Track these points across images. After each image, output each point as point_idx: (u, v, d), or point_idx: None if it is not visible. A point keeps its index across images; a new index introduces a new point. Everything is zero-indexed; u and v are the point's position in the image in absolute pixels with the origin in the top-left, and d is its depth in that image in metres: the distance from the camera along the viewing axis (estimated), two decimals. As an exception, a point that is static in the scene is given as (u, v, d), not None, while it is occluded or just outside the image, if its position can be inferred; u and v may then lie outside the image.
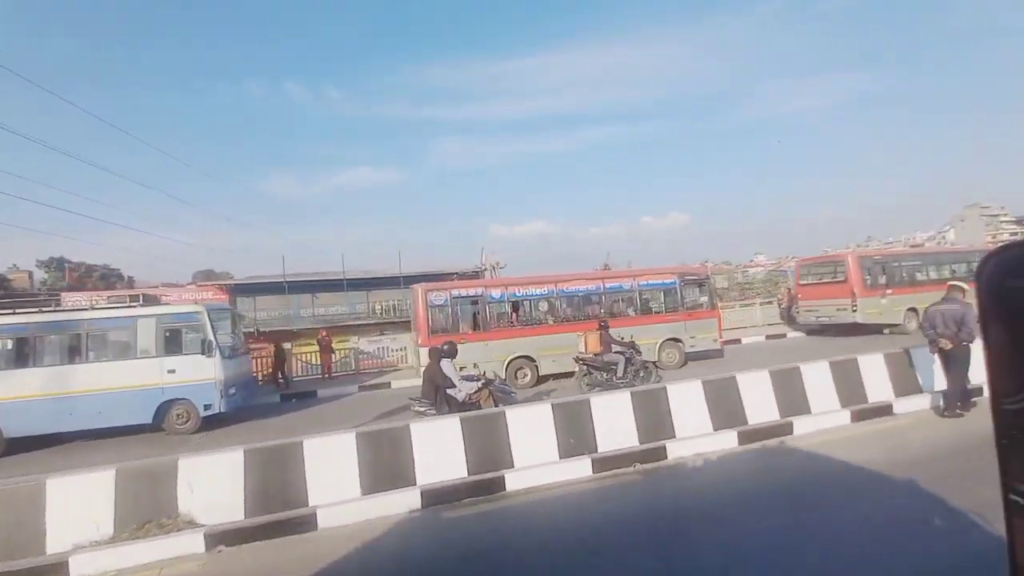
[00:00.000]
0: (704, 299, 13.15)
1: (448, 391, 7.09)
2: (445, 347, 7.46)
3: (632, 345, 10.28)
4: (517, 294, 12.54)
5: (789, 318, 18.47)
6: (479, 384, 7.25)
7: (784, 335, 17.28)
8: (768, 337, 16.99)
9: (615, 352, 9.94)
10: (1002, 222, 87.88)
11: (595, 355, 9.96)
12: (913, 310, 14.37)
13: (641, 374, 9.94)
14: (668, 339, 12.39)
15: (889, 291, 14.80)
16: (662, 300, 13.02)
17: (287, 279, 27.32)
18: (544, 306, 12.82)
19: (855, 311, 14.48)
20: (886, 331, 14.70)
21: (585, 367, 9.98)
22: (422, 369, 7.87)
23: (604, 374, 9.78)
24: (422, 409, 7.09)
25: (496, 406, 7.04)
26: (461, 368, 7.96)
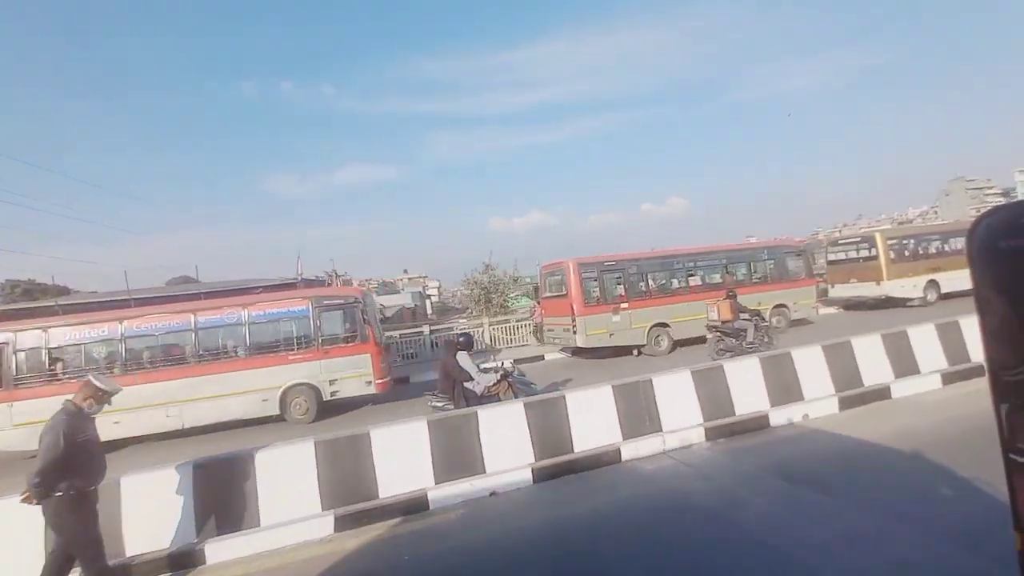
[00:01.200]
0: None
1: (466, 384, 6.84)
2: (461, 339, 7.18)
3: (757, 313, 10.98)
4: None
5: (540, 338, 15.71)
6: (498, 376, 6.99)
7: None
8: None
9: (743, 319, 10.49)
10: (987, 195, 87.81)
11: (724, 322, 10.47)
12: (662, 325, 12.38)
13: (766, 339, 10.53)
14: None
15: (625, 305, 12.35)
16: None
17: (133, 295, 24.65)
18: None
19: (575, 333, 12.14)
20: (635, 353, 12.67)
21: (718, 334, 10.52)
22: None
23: (734, 340, 10.37)
24: (439, 404, 6.84)
25: (515, 398, 6.81)
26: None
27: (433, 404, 6.85)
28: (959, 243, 15.82)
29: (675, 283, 13.21)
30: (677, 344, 12.59)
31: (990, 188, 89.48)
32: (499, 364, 7.40)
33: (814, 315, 14.15)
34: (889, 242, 15.92)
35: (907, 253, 16.01)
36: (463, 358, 6.92)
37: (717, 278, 13.37)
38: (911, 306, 15.48)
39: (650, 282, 12.77)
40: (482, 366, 7.20)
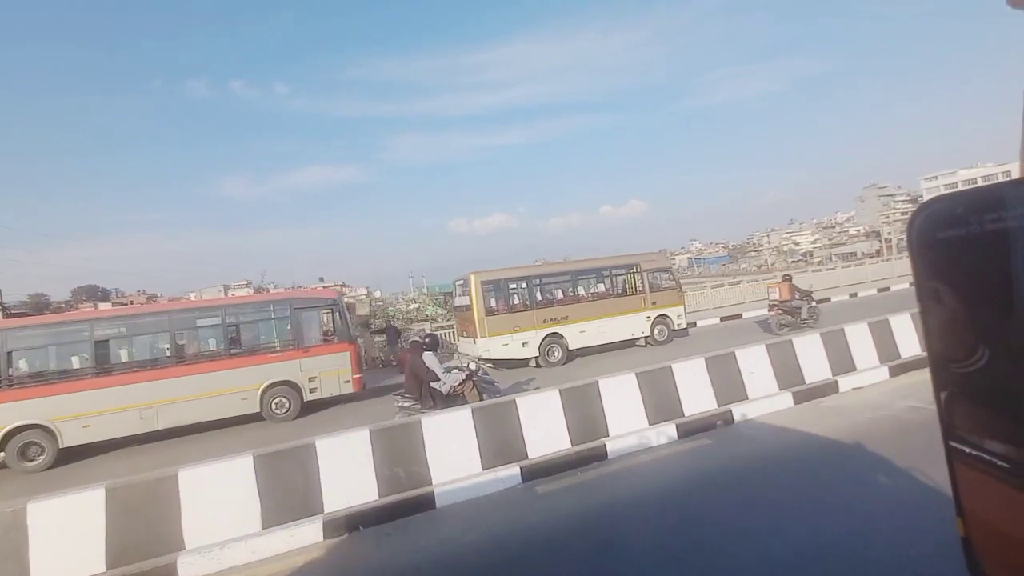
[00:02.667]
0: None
1: (432, 384, 6.98)
2: (427, 339, 7.31)
3: (809, 294, 13.06)
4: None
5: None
6: (463, 376, 7.18)
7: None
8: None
9: (798, 300, 12.59)
10: (897, 201, 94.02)
11: (783, 302, 12.52)
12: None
13: (816, 316, 12.50)
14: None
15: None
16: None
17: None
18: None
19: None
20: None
21: (779, 311, 12.53)
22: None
23: (791, 316, 12.40)
24: (407, 404, 6.95)
25: (481, 397, 7.03)
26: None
27: (400, 404, 6.95)
28: (593, 284, 13.58)
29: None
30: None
31: (901, 194, 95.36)
32: (464, 364, 7.58)
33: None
34: (485, 286, 12.12)
35: (513, 300, 12.61)
36: (429, 358, 7.05)
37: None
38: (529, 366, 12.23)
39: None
40: (446, 365, 7.37)
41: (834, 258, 65.35)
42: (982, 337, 0.63)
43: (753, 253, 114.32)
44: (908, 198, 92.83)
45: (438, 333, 13.34)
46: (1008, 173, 66.17)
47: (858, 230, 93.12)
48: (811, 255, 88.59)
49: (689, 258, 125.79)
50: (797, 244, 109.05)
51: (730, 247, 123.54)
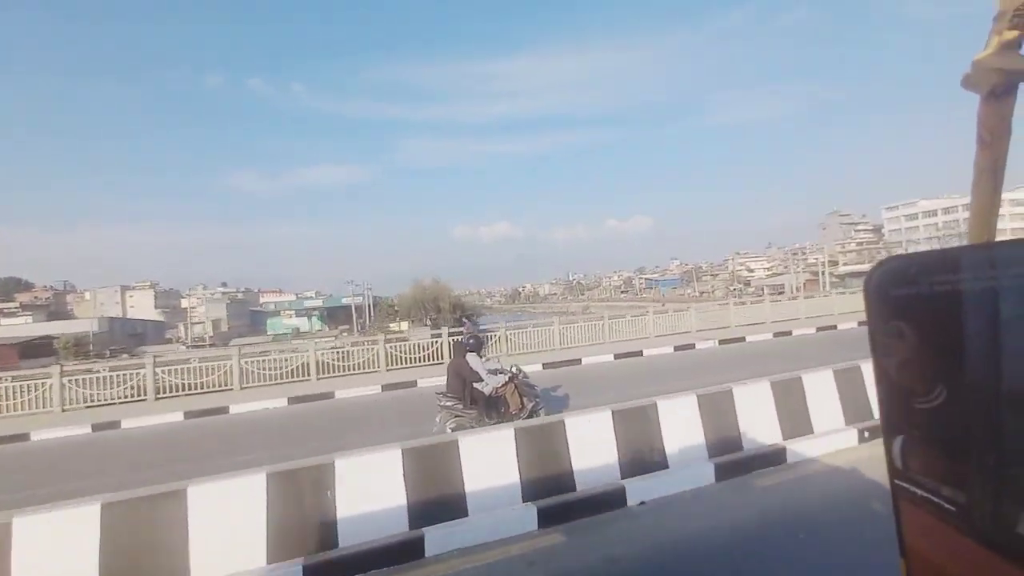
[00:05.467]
0: None
1: (475, 385, 6.99)
2: (471, 341, 7.31)
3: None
4: None
5: None
6: (506, 378, 7.22)
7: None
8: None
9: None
10: (858, 229, 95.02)
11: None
12: None
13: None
14: None
15: None
16: None
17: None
18: None
19: None
20: None
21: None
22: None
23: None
24: (449, 404, 6.93)
25: (522, 400, 7.09)
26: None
27: (444, 404, 6.93)
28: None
29: None
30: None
31: (864, 223, 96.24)
32: (507, 367, 7.63)
33: None
34: None
35: None
36: (473, 359, 7.04)
37: None
38: None
39: None
40: (489, 368, 7.41)
41: (765, 290, 66.94)
42: (929, 389, 0.66)
43: (709, 277, 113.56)
44: (870, 227, 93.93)
45: (483, 335, 12.85)
46: (967, 206, 69.03)
47: (816, 258, 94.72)
48: (747, 284, 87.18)
49: (646, 279, 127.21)
50: (751, 271, 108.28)
51: (685, 269, 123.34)
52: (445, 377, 7.35)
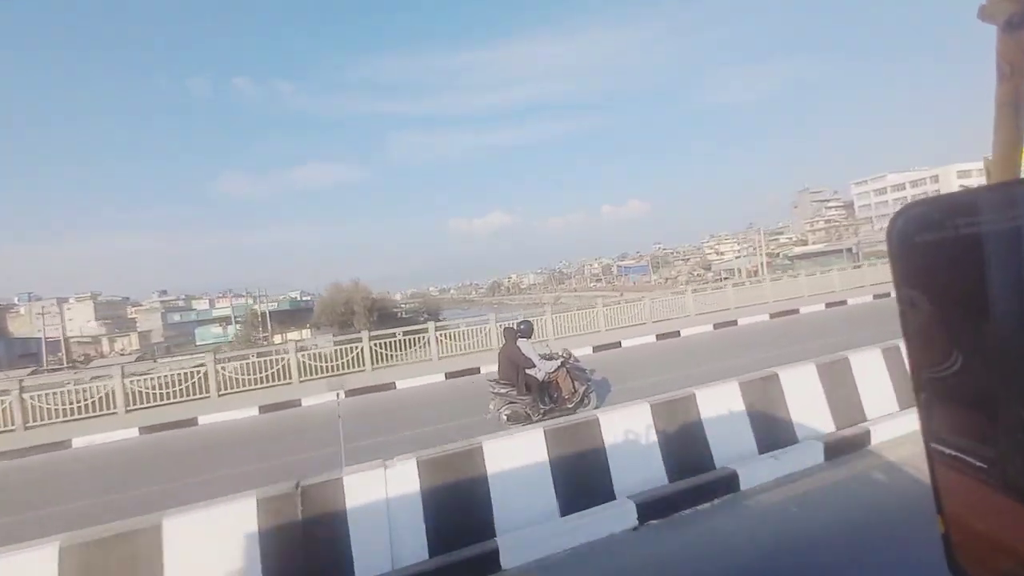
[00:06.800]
0: None
1: (527, 371, 6.84)
2: (522, 327, 7.16)
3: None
4: None
5: None
6: (558, 363, 7.08)
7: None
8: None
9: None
10: (829, 206, 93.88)
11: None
12: None
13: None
14: None
15: None
16: None
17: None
18: None
19: None
20: None
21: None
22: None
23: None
24: (503, 391, 6.78)
25: (573, 384, 6.99)
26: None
27: (497, 391, 6.78)
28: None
29: None
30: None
31: (835, 199, 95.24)
32: (559, 352, 7.50)
33: None
34: None
35: None
36: (524, 345, 6.90)
37: None
38: None
39: None
40: (541, 353, 7.26)
41: (723, 274, 58.47)
42: (957, 341, 0.65)
43: (681, 263, 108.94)
44: (841, 203, 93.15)
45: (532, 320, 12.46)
46: (935, 177, 67.65)
47: (788, 238, 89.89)
48: (707, 269, 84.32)
49: (618, 267, 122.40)
50: (720, 254, 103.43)
51: (649, 256, 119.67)
52: (496, 366, 7.19)
